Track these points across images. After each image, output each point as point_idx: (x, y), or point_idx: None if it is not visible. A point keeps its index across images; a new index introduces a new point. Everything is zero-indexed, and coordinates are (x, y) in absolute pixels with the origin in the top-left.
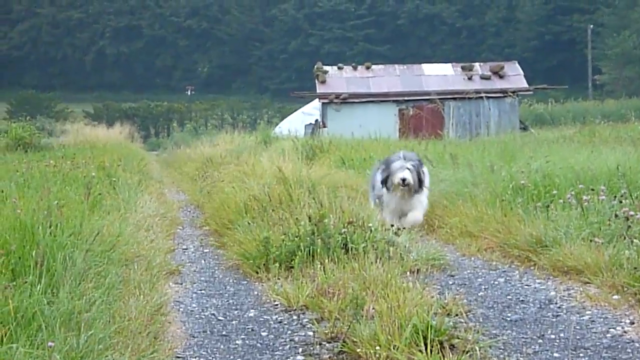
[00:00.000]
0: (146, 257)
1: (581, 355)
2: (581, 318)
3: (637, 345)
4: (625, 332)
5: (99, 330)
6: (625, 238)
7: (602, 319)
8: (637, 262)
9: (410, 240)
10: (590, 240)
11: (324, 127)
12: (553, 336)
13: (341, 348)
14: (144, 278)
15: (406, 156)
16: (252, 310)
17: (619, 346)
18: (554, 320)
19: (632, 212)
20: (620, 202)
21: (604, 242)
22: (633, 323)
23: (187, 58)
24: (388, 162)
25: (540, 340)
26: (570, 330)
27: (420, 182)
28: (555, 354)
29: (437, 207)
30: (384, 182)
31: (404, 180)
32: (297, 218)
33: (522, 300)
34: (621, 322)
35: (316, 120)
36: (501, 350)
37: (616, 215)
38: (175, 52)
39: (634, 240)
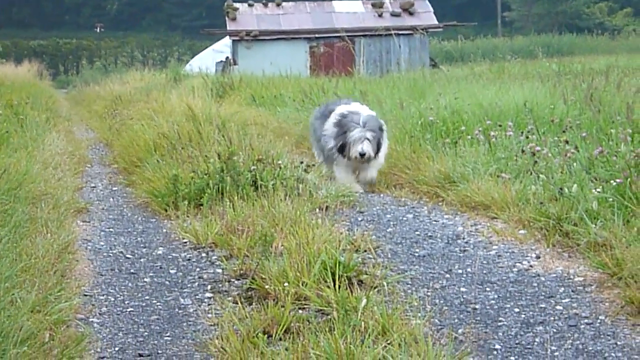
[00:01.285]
0: (54, 195)
1: (488, 289)
2: (488, 253)
3: (542, 279)
4: (531, 266)
5: (5, 268)
6: (531, 173)
7: (508, 254)
8: (543, 197)
9: (319, 178)
10: (498, 176)
11: (235, 64)
12: (460, 271)
13: (250, 285)
14: (52, 216)
15: (366, 122)
16: (161, 248)
17: (525, 280)
18: (461, 255)
19: (538, 148)
20: (527, 137)
21: (511, 178)
22: (539, 257)
23: None
24: (343, 124)
25: (447, 275)
26: (477, 265)
27: (378, 150)
28: (462, 289)
29: None
30: (340, 150)
31: (362, 155)
32: (206, 156)
33: (430, 236)
34: (527, 256)
35: (227, 58)
36: (409, 286)
37: (523, 151)
38: None
39: (540, 175)
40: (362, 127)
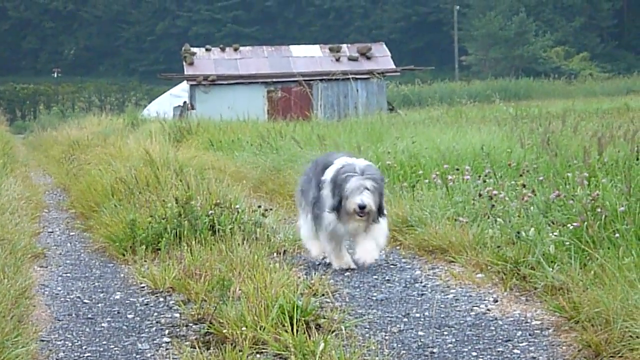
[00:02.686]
0: (10, 241)
1: (445, 333)
2: (446, 296)
3: (500, 322)
4: (488, 310)
5: None
6: (489, 217)
7: (466, 297)
8: (501, 240)
9: (277, 222)
10: (455, 220)
11: (193, 109)
12: (418, 314)
13: (208, 329)
14: (8, 262)
15: (364, 170)
16: (119, 293)
17: (483, 324)
18: (419, 299)
19: (495, 192)
20: (484, 181)
21: (469, 221)
22: (496, 301)
23: (54, 40)
24: (339, 177)
25: (405, 319)
26: (434, 308)
27: (381, 209)
28: (420, 332)
29: None
30: (336, 208)
31: (362, 207)
32: (164, 200)
33: (387, 280)
34: (485, 300)
35: (184, 103)
36: (367, 329)
37: (480, 195)
38: (41, 34)
39: (498, 219)
40: (360, 175)
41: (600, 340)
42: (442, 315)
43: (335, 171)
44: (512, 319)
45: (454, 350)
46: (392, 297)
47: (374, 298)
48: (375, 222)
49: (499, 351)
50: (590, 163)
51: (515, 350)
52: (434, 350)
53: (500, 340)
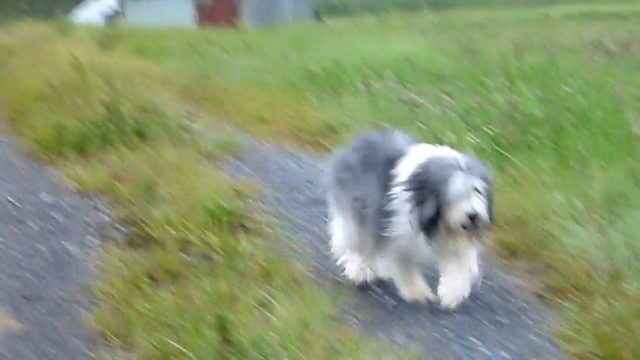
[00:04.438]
0: None
1: None
2: None
3: None
4: None
5: None
6: (410, 122)
7: None
8: None
9: (204, 126)
10: (378, 124)
11: (122, 16)
12: None
13: (135, 230)
14: None
15: (471, 167)
16: (47, 195)
17: None
18: None
19: (417, 97)
20: (407, 87)
21: (391, 126)
22: None
23: None
24: (432, 174)
25: (326, 219)
26: None
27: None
28: None
29: (231, 93)
30: (432, 221)
31: (473, 217)
32: (92, 104)
33: (312, 183)
34: None
35: (114, 10)
36: (291, 230)
37: (402, 101)
38: None
39: (419, 124)
40: (466, 173)
41: (517, 240)
42: None
43: (422, 166)
44: None
45: None
46: (315, 198)
47: (299, 200)
48: (481, 238)
49: None
50: (509, 70)
51: None
52: None
53: None
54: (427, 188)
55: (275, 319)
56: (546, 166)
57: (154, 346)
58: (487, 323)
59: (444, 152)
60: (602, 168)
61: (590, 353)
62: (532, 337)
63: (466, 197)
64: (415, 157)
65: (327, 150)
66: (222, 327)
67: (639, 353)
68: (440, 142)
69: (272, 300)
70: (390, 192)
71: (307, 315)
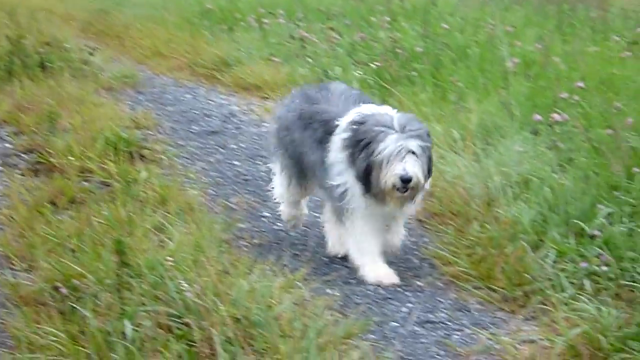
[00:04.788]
0: None
1: (258, 163)
2: (260, 130)
3: None
4: None
5: None
6: (300, 57)
7: None
8: (310, 79)
9: (104, 60)
10: (269, 60)
11: None
12: (234, 146)
13: (37, 159)
14: None
15: (405, 124)
16: None
17: None
18: (235, 132)
19: (306, 34)
20: (297, 24)
21: (282, 61)
22: None
23: None
24: (364, 134)
25: (222, 150)
26: (249, 141)
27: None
28: (235, 162)
29: (130, 29)
30: (363, 179)
31: (406, 180)
32: None
33: (207, 114)
34: None
35: None
36: (187, 160)
37: (292, 37)
38: None
39: (308, 59)
40: (399, 133)
41: None
42: (255, 147)
43: (355, 124)
44: None
45: (267, 178)
46: (210, 129)
47: (194, 131)
48: (417, 197)
49: None
50: (392, 8)
51: None
52: (248, 177)
53: None
54: (359, 148)
55: (171, 243)
56: (426, 99)
57: (55, 268)
58: None
59: (380, 111)
60: (478, 101)
61: (465, 273)
62: (413, 259)
63: (399, 158)
64: (351, 116)
65: (222, 84)
66: (120, 251)
67: (509, 272)
68: (329, 77)
69: (168, 225)
70: (328, 152)
71: (201, 240)
